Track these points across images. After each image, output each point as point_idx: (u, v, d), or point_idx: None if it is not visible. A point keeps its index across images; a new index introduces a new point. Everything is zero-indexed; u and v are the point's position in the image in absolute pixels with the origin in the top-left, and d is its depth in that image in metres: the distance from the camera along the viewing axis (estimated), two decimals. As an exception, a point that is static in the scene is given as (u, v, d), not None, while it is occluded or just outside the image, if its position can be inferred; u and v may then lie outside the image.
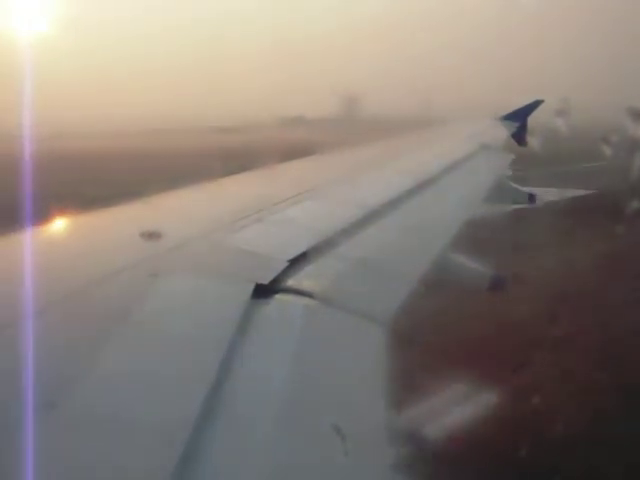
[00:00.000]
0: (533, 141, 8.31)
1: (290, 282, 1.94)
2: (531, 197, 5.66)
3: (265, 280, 1.87)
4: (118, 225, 2.72)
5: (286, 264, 2.04)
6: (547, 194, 11.89)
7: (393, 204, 3.31)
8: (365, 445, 1.27)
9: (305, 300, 1.85)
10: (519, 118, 8.60)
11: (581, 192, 16.23)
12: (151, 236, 2.12)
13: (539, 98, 9.05)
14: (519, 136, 8.18)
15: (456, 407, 5.87)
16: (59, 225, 2.67)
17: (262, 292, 1.80)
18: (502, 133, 7.99)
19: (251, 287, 1.80)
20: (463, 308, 6.45)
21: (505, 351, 6.81)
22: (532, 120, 8.67)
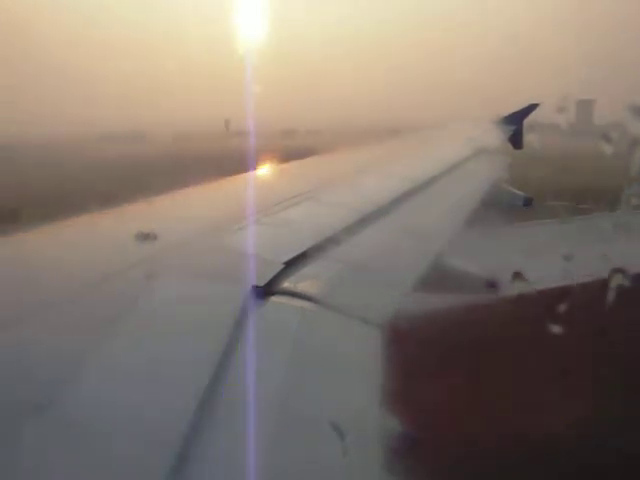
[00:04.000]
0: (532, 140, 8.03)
1: (286, 284, 1.95)
2: (527, 200, 5.68)
3: (261, 282, 1.89)
4: (115, 226, 2.72)
5: (282, 266, 2.06)
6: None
7: (389, 207, 3.32)
8: (360, 444, 1.28)
9: (300, 302, 1.87)
10: (515, 121, 8.64)
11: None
12: (147, 237, 2.14)
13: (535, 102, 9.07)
14: (515, 139, 8.23)
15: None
16: (60, 225, 2.67)
17: (258, 293, 1.82)
18: (499, 136, 8.03)
19: (247, 288, 1.82)
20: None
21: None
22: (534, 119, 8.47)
